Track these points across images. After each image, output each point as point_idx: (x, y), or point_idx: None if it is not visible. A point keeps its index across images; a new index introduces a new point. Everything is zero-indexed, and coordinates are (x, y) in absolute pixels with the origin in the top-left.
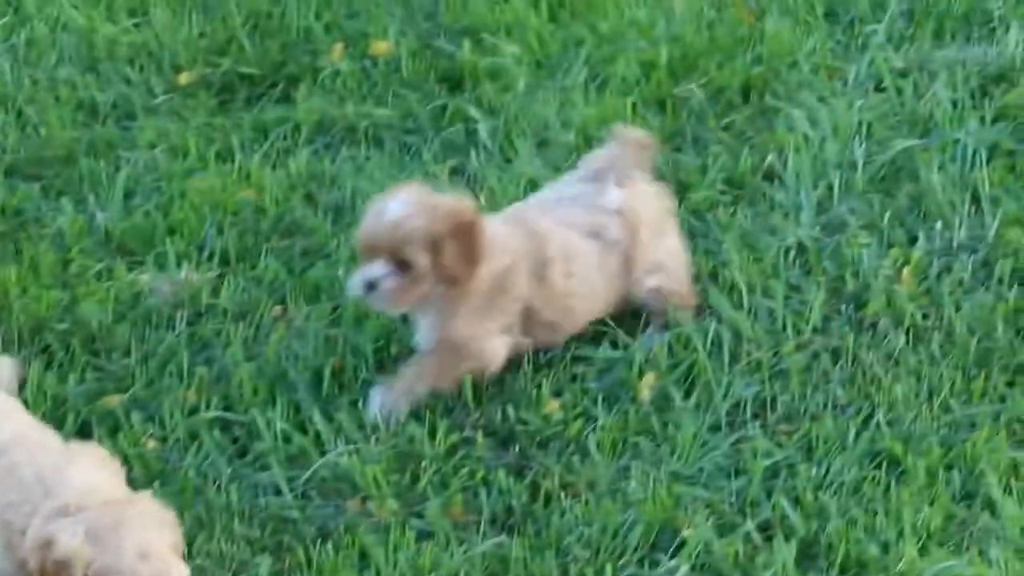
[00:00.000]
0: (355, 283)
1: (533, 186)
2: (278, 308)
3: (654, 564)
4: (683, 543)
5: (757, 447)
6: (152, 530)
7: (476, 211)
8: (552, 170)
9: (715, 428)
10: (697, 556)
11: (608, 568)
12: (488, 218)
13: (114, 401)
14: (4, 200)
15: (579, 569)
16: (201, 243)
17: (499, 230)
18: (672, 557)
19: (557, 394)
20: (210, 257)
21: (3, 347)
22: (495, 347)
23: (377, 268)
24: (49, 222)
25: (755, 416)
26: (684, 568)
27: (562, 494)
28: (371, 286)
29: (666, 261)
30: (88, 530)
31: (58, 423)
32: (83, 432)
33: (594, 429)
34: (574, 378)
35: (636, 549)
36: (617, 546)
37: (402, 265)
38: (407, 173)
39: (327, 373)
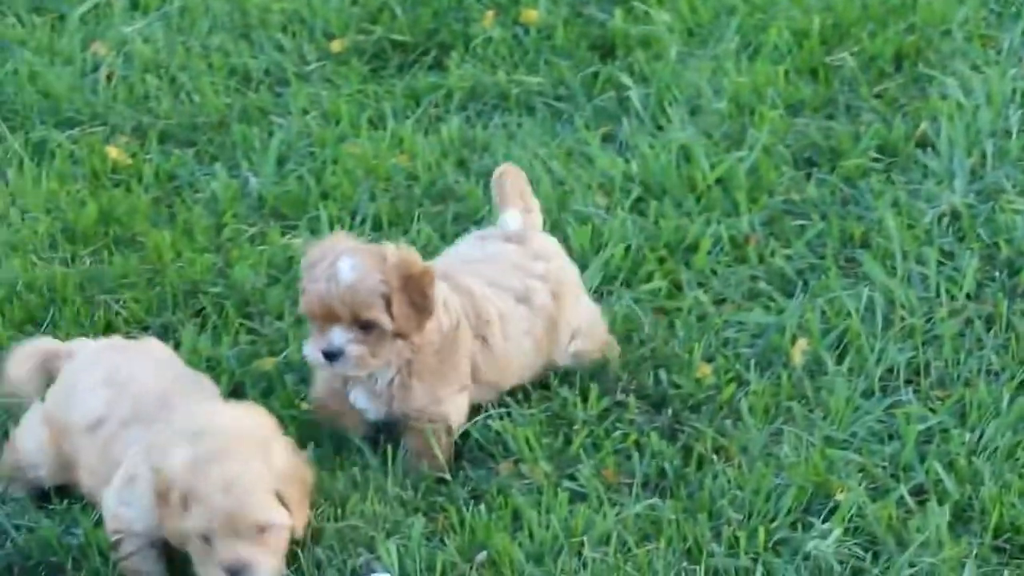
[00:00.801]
0: (313, 352)
1: (685, 153)
2: None
3: (807, 527)
4: (836, 507)
5: (910, 412)
6: (252, 466)
7: (424, 262)
8: (704, 137)
9: (868, 393)
10: (850, 520)
11: (761, 531)
12: None
13: (268, 364)
14: (159, 165)
15: (732, 532)
16: (354, 208)
17: (440, 287)
18: (825, 521)
19: (709, 359)
20: (363, 222)
21: (158, 311)
22: (458, 405)
23: (338, 336)
24: (203, 187)
25: (908, 382)
26: (837, 531)
27: (715, 457)
28: (334, 355)
29: (583, 325)
30: (192, 455)
31: None
32: (236, 394)
33: (746, 394)
34: (726, 343)
35: (789, 512)
36: (770, 509)
37: (365, 327)
38: (559, 140)
39: None
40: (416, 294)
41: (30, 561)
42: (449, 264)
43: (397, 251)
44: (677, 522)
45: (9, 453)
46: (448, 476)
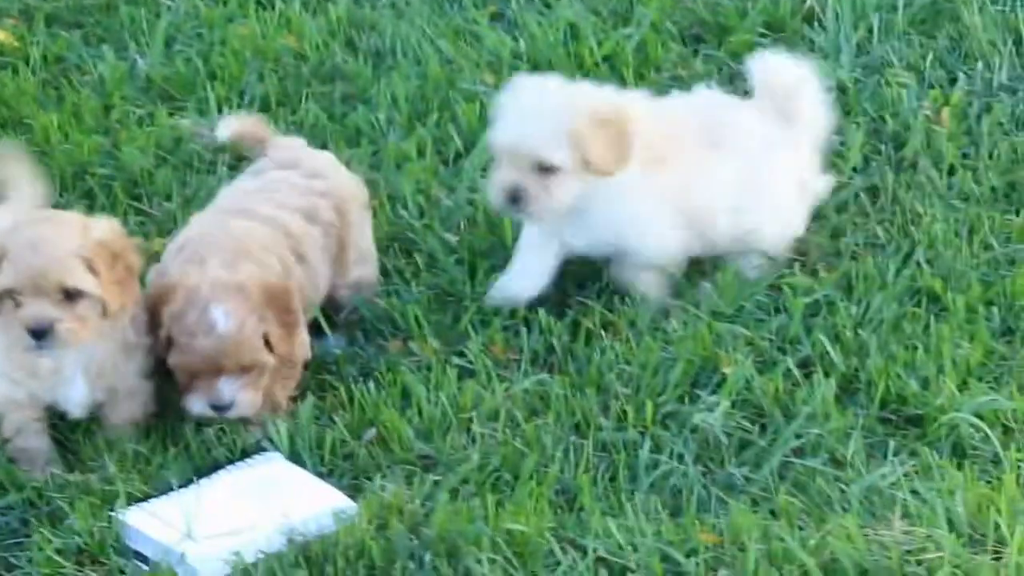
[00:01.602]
0: (202, 407)
1: (573, 31)
2: None
3: (695, 400)
4: (723, 380)
5: (797, 285)
6: (64, 231)
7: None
8: (592, 14)
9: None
10: (737, 393)
11: (648, 405)
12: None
13: (157, 245)
14: (46, 48)
15: (620, 406)
16: (242, 89)
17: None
18: (712, 394)
19: None
20: (251, 103)
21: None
22: (305, 341)
23: (227, 387)
24: (90, 69)
25: (795, 255)
26: (724, 404)
27: (603, 333)
28: (226, 407)
29: (367, 251)
30: (13, 222)
31: None
32: None
33: None
34: None
35: (676, 386)
36: (657, 383)
37: (249, 369)
38: (447, 18)
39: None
40: (284, 314)
41: None
42: (237, 199)
43: (256, 280)
44: (565, 397)
45: None
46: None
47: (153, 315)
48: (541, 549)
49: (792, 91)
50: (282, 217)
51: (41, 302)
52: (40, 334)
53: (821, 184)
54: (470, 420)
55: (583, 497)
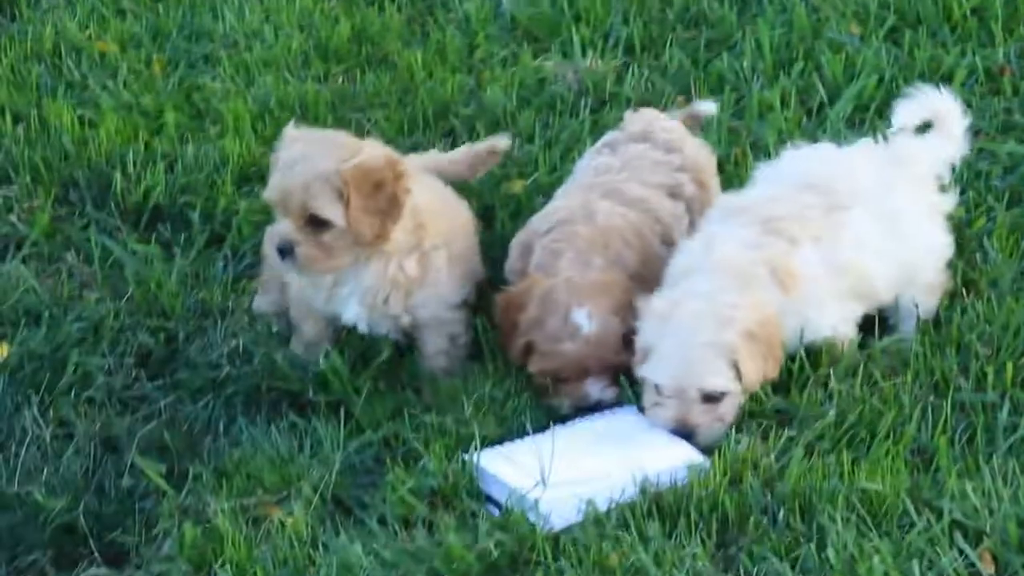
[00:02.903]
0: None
1: None
2: (681, 98)
3: None
4: None
5: None
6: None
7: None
8: None
9: None
10: None
11: (1009, 366)
12: None
13: (517, 186)
14: None
15: (979, 367)
16: (607, 31)
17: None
18: None
19: (962, 191)
20: (615, 46)
21: (409, 130)
22: None
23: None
24: (456, 7)
25: None
26: None
27: (964, 292)
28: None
29: None
30: None
31: None
32: (486, 218)
33: (995, 227)
34: (978, 175)
35: None
36: (1019, 345)
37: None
38: None
39: None
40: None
41: (275, 383)
42: (603, 179)
43: (611, 278)
44: (924, 356)
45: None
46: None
47: (506, 321)
48: (896, 509)
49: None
50: (652, 200)
51: (287, 222)
52: (281, 252)
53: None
54: (827, 376)
55: (940, 458)
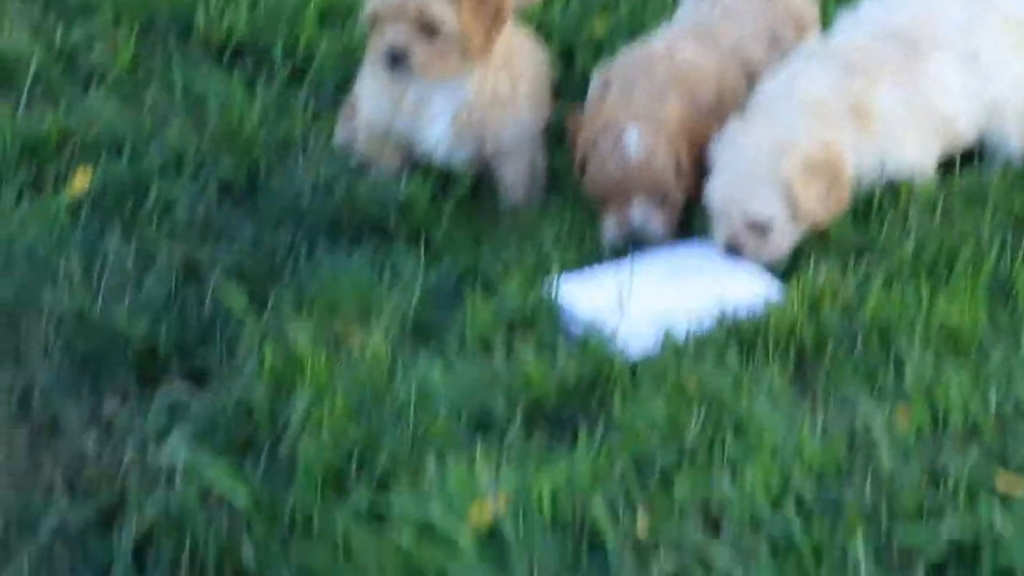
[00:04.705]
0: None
1: None
2: None
3: None
4: None
5: None
6: None
7: None
8: None
9: None
10: None
11: None
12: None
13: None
14: None
15: None
16: None
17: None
18: None
19: None
20: None
21: None
22: None
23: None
24: None
25: None
26: None
27: None
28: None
29: None
30: None
31: None
32: (567, 56)
33: None
34: None
35: None
36: None
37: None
38: None
39: None
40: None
41: (356, 214)
42: (701, 21)
43: (677, 111)
44: (1004, 191)
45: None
46: None
47: (572, 143)
48: (974, 339)
49: None
50: (747, 46)
51: (399, 29)
52: (394, 60)
53: None
54: (906, 210)
55: (1018, 290)
